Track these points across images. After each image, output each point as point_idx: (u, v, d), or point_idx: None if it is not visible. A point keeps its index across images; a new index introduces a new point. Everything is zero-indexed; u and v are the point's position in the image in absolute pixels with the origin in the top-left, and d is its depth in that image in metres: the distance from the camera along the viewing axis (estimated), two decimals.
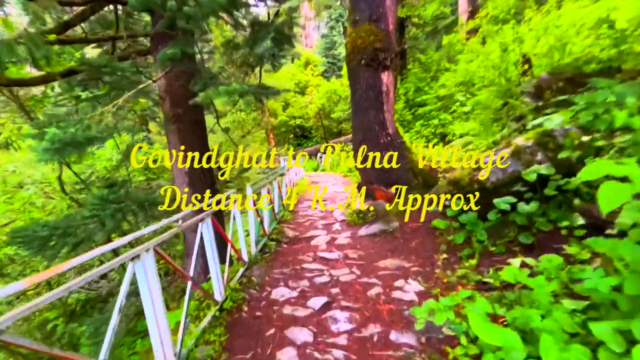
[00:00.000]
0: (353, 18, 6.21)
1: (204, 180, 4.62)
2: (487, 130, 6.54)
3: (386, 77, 6.14)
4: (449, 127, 9.37)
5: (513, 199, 3.84)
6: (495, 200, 3.92)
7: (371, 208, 6.05)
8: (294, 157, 22.64)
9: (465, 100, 10.02)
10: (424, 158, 6.50)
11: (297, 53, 32.66)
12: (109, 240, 4.24)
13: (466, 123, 7.87)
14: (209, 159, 4.78)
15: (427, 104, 10.75)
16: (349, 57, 6.33)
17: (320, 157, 20.74)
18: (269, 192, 5.55)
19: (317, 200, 8.38)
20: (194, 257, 2.79)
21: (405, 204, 5.70)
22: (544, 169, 3.65)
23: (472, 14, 14.47)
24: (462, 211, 4.40)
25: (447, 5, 20.00)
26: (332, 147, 19.59)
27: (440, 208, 4.88)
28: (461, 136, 7.45)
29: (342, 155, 18.43)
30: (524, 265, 3.36)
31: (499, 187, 4.11)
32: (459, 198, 4.47)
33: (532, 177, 3.64)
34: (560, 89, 5.75)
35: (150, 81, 4.27)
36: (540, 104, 5.56)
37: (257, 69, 9.70)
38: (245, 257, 4.12)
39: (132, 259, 1.99)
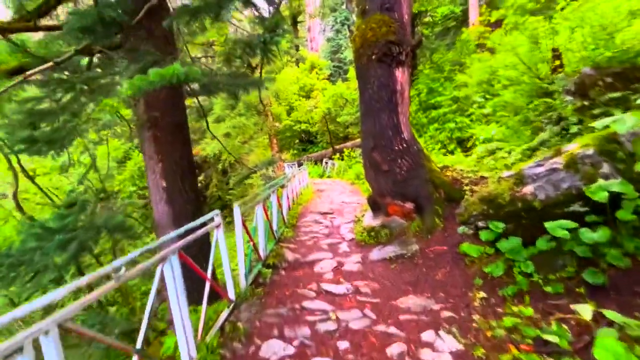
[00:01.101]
0: (362, 7, 5.45)
1: (186, 197, 3.87)
2: (518, 134, 5.67)
3: (401, 75, 5.34)
4: (467, 131, 8.51)
5: (572, 224, 2.99)
6: (548, 225, 3.07)
7: (384, 225, 5.22)
8: (299, 164, 21.93)
9: (483, 102, 9.18)
10: (444, 168, 5.65)
11: (302, 56, 32.13)
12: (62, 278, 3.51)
13: (489, 126, 7.01)
14: (191, 170, 4.03)
15: (441, 106, 9.90)
16: (357, 53, 5.55)
17: (326, 164, 19.96)
18: (265, 210, 4.77)
19: (323, 214, 7.57)
20: (146, 312, 2.00)
21: (425, 222, 4.86)
22: (618, 185, 2.79)
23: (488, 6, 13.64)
24: (500, 235, 3.55)
25: (458, 5, 19.24)
26: (340, 154, 18.80)
27: (471, 230, 4.03)
28: (485, 141, 6.59)
29: (348, 161, 17.62)
30: (599, 317, 2.52)
31: (549, 207, 3.26)
32: (495, 218, 3.63)
33: (602, 196, 2.78)
34: (609, 85, 4.87)
35: (117, 78, 3.57)
36: (585, 103, 4.69)
37: (257, 71, 8.99)
38: (231, 294, 3.32)
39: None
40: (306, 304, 3.43)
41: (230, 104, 12.21)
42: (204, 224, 3.19)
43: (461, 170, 5.48)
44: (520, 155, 4.67)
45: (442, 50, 12.78)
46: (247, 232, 3.92)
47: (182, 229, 2.92)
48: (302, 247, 5.42)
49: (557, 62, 6.64)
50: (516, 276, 3.30)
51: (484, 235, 3.69)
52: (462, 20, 21.08)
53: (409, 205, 5.13)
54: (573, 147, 3.39)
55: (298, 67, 28.57)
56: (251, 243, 4.00)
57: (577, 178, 3.18)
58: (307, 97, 23.92)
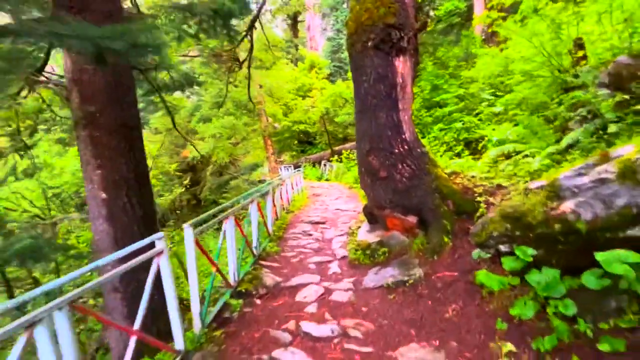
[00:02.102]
0: None
1: (132, 214, 3.09)
2: (538, 134, 4.87)
3: (402, 65, 4.55)
4: (475, 132, 7.70)
5: (636, 256, 2.20)
6: (602, 257, 2.28)
7: (382, 242, 4.42)
8: (296, 167, 21.15)
9: (493, 99, 8.37)
10: (452, 174, 4.85)
11: (302, 56, 31.39)
12: None
13: (502, 126, 6.20)
14: (142, 181, 3.25)
15: (446, 105, 9.11)
16: (351, 39, 4.77)
17: (325, 166, 19.18)
18: (238, 224, 3.98)
19: (314, 224, 6.78)
20: None
21: (430, 239, 4.06)
22: None
23: None
24: (529, 264, 2.75)
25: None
26: (338, 155, 18.01)
27: (489, 253, 3.23)
28: (498, 143, 5.79)
29: (346, 164, 16.82)
30: None
31: (599, 231, 2.46)
32: (523, 242, 2.83)
33: None
34: None
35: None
36: (626, 96, 3.88)
37: (245, 65, 8.24)
38: (179, 343, 2.53)
39: None
40: (278, 354, 2.64)
41: (217, 102, 11.46)
42: (140, 251, 2.40)
43: (473, 176, 4.68)
44: (547, 159, 3.87)
45: (446, 46, 11.99)
46: (208, 258, 3.13)
47: (108, 259, 2.15)
48: (286, 267, 4.63)
49: (581, 53, 5.85)
50: (552, 320, 2.50)
51: (507, 262, 2.89)
52: (467, 16, 20.35)
53: (412, 219, 4.33)
54: (628, 151, 2.58)
55: (297, 66, 27.85)
56: (214, 269, 3.21)
57: (637, 193, 2.38)
58: (304, 96, 23.16)
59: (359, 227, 5.69)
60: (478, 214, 3.92)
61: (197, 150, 7.65)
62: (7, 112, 5.63)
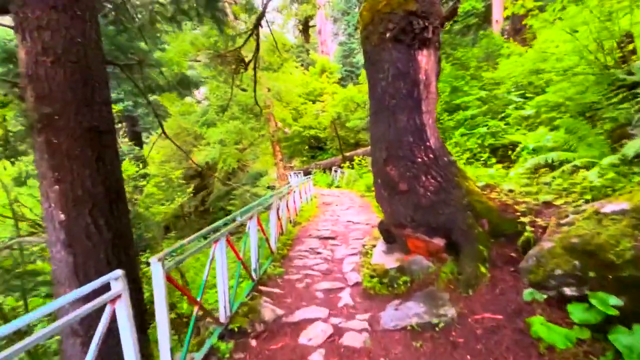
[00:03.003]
0: None
1: (98, 239, 2.51)
2: (590, 140, 4.11)
3: (425, 59, 3.89)
4: (502, 137, 6.94)
5: None
6: None
7: (403, 269, 3.73)
8: (306, 173, 20.55)
9: (522, 102, 7.61)
10: (485, 187, 4.12)
11: (313, 60, 31.00)
12: None
13: (538, 131, 5.44)
14: (112, 198, 2.67)
15: (468, 107, 8.36)
16: (366, 31, 4.14)
17: (335, 172, 18.52)
18: (232, 246, 3.37)
19: (323, 239, 6.12)
20: None
21: (463, 267, 3.35)
22: None
23: None
24: (611, 318, 2.04)
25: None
26: (350, 162, 17.35)
27: (546, 294, 2.52)
28: (535, 150, 5.03)
29: (358, 170, 16.13)
30: None
31: None
32: (600, 286, 2.12)
33: None
34: None
35: None
36: None
37: (251, 67, 7.73)
38: None
39: None
40: None
41: (221, 105, 11.01)
42: (89, 296, 1.81)
43: (510, 191, 3.95)
44: (611, 172, 3.12)
45: (465, 46, 11.25)
46: (187, 295, 2.52)
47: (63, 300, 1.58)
48: (290, 294, 3.98)
49: (631, 47, 5.07)
50: None
51: (577, 312, 2.18)
52: (484, 17, 19.51)
53: (438, 241, 3.64)
54: None
55: (308, 71, 27.45)
56: (196, 308, 2.59)
57: None
58: (315, 101, 22.63)
59: (374, 245, 5.01)
60: (523, 238, 3.19)
61: (193, 161, 7.15)
62: None
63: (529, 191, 3.80)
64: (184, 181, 11.53)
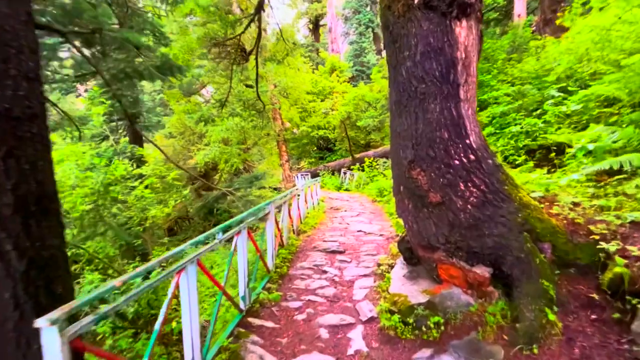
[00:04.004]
0: None
1: (3, 269, 1.73)
2: None
3: (465, 32, 3.01)
4: (541, 137, 5.96)
5: None
6: None
7: (433, 305, 2.84)
8: (314, 175, 19.70)
9: (561, 97, 6.62)
10: (543, 201, 3.19)
11: (323, 59, 30.19)
12: None
13: (592, 129, 4.47)
14: (35, 209, 1.87)
15: (496, 103, 7.40)
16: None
17: (345, 174, 17.62)
18: (207, 272, 2.54)
19: (330, 254, 5.25)
20: None
21: (519, 311, 2.45)
22: None
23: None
24: None
25: None
26: (360, 164, 16.44)
27: None
28: (595, 152, 4.07)
29: (369, 173, 15.21)
30: None
31: None
32: None
33: None
34: None
35: None
36: None
37: (252, 59, 6.93)
38: None
39: None
40: None
41: (219, 100, 10.28)
42: None
43: (575, 204, 3.02)
44: None
45: (491, 37, 10.27)
46: None
47: None
48: (286, 331, 3.13)
49: None
50: None
51: None
52: (505, 11, 18.40)
53: (482, 271, 2.74)
54: None
55: (317, 70, 26.67)
56: None
57: None
58: (323, 99, 21.78)
59: (391, 265, 4.12)
60: (611, 275, 2.27)
61: (183, 168, 6.41)
62: None
63: (602, 205, 2.86)
64: (180, 182, 10.81)
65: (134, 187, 7.92)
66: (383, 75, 20.21)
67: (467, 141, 2.95)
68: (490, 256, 2.70)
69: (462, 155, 2.91)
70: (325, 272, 4.51)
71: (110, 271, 7.17)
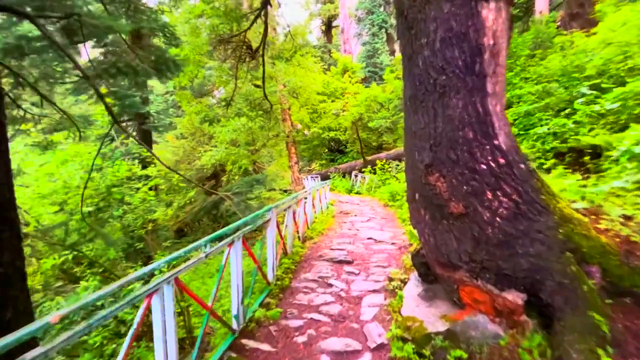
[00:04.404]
0: None
1: None
2: None
3: (493, 16, 2.58)
4: (573, 139, 5.41)
5: None
6: None
7: (453, 335, 2.41)
8: (324, 177, 19.31)
9: (591, 96, 6.06)
10: (588, 214, 2.72)
11: (335, 60, 29.85)
12: None
13: (635, 130, 3.94)
14: None
15: (520, 102, 6.86)
16: None
17: (356, 177, 17.18)
18: (189, 293, 2.19)
19: (337, 264, 4.85)
20: None
21: (562, 348, 1.99)
22: None
23: None
24: None
25: None
26: (372, 166, 15.96)
27: None
28: (633, 157, 3.55)
29: (381, 176, 14.73)
30: None
31: None
32: None
33: None
34: None
35: None
36: None
37: (258, 56, 6.64)
38: None
39: None
40: None
41: (224, 99, 10.03)
42: None
43: (626, 217, 2.53)
44: None
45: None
46: None
47: None
48: (283, 356, 2.75)
49: None
50: None
51: None
52: (526, 8, 17.63)
53: (514, 297, 2.29)
54: None
55: (329, 71, 26.35)
56: None
57: None
58: (334, 101, 21.38)
59: (404, 281, 3.70)
60: None
61: (180, 174, 6.11)
62: None
63: None
64: (184, 184, 10.63)
65: (138, 189, 7.74)
66: (396, 76, 19.71)
67: (495, 142, 2.51)
68: (525, 280, 2.26)
69: (489, 158, 2.47)
70: (330, 285, 4.11)
71: (113, 275, 6.99)
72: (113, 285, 1.62)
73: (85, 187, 4.86)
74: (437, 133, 2.61)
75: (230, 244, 2.88)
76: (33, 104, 6.02)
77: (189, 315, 2.96)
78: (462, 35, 2.57)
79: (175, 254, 2.10)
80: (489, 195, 2.42)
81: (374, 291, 3.82)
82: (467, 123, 2.53)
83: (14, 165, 6.90)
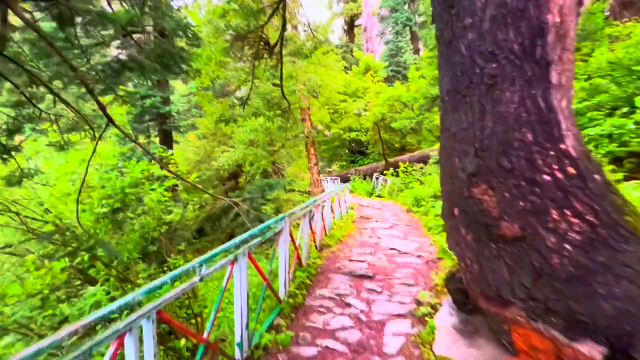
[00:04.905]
0: None
1: None
2: None
3: None
4: (638, 142, 4.68)
5: None
6: None
7: None
8: (344, 180, 18.79)
9: None
10: None
11: (357, 59, 29.28)
12: None
13: None
14: None
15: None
16: None
17: (377, 179, 16.56)
18: (175, 324, 1.82)
19: (357, 278, 4.38)
20: None
21: None
22: None
23: None
24: None
25: None
26: (395, 169, 15.31)
27: None
28: None
29: (404, 179, 14.05)
30: None
31: None
32: None
33: None
34: None
35: None
36: None
37: (276, 52, 6.29)
38: None
39: None
40: None
41: (241, 98, 9.78)
42: None
43: None
44: None
45: None
46: None
47: None
48: None
49: None
50: None
51: None
52: None
53: (591, 351, 1.75)
54: None
55: (351, 71, 25.83)
56: None
57: None
58: (355, 101, 20.81)
59: (435, 307, 3.19)
60: None
61: (175, 173, 5.85)
62: None
63: None
64: (199, 186, 10.49)
65: (154, 190, 7.61)
66: (421, 75, 18.90)
67: (562, 146, 1.98)
68: (608, 330, 1.71)
69: (554, 167, 1.94)
70: (349, 305, 3.66)
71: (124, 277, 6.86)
72: (66, 331, 1.26)
73: (80, 192, 4.68)
74: (485, 135, 2.10)
75: (234, 261, 2.49)
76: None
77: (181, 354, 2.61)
78: (519, 12, 2.05)
79: (159, 280, 1.73)
80: (555, 214, 1.89)
81: (400, 316, 3.33)
82: (525, 122, 2.00)
83: (32, 165, 6.93)
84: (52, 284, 5.50)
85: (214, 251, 2.30)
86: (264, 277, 3.10)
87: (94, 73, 3.62)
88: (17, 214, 5.59)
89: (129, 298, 1.58)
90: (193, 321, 3.85)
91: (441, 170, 2.63)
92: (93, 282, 6.76)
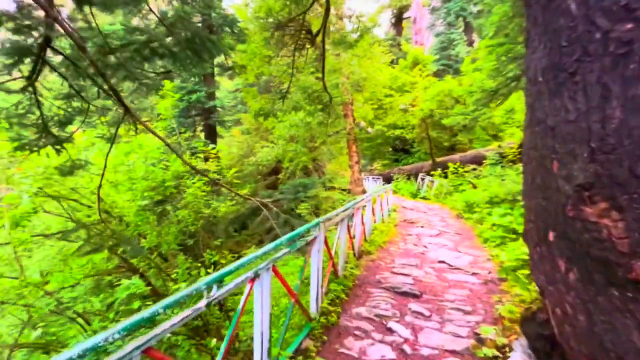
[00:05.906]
0: None
1: None
2: None
3: None
4: None
5: None
6: None
7: None
8: (387, 179, 17.91)
9: None
10: None
11: (404, 52, 27.89)
12: None
13: None
14: None
15: None
16: None
17: (422, 180, 15.50)
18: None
19: (399, 295, 3.79)
20: None
21: None
22: None
23: None
24: None
25: None
26: (443, 169, 14.18)
27: None
28: None
29: (454, 181, 12.90)
30: None
31: None
32: None
33: None
34: None
35: None
36: None
37: (318, 41, 5.85)
38: None
39: None
40: None
41: (280, 91, 9.46)
42: None
43: None
44: None
45: None
46: None
47: None
48: None
49: None
50: None
51: None
52: None
53: None
54: None
55: (398, 64, 24.62)
56: None
57: None
58: (401, 95, 19.69)
59: (502, 349, 2.52)
60: None
61: (200, 170, 5.64)
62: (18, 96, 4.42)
63: None
64: (238, 181, 10.44)
65: (193, 183, 7.64)
66: (476, 68, 17.31)
67: None
68: None
69: None
70: (390, 330, 3.10)
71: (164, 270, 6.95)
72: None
73: (100, 186, 4.61)
74: (609, 130, 1.43)
75: (254, 278, 2.09)
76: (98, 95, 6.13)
77: None
78: None
79: (148, 311, 1.36)
80: None
81: (454, 353, 2.70)
82: None
83: (82, 156, 7.24)
84: (96, 270, 5.70)
85: (229, 267, 1.91)
86: (292, 294, 2.68)
87: (112, 58, 3.47)
88: (59, 200, 5.79)
89: (98, 338, 1.21)
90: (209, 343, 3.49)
91: (525, 177, 1.98)
92: (136, 271, 6.93)
